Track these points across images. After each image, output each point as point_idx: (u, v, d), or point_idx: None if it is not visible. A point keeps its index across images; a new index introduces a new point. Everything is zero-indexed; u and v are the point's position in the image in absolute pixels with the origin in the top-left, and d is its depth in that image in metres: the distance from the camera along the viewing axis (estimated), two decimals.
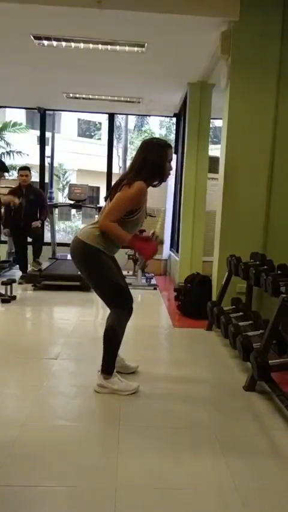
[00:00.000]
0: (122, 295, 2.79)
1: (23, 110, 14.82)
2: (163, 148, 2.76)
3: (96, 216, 7.08)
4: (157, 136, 18.55)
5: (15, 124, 14.89)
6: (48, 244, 7.34)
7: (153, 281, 6.58)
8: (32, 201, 6.36)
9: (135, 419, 2.47)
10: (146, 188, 2.68)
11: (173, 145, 7.54)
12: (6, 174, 5.75)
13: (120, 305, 2.78)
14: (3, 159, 12.85)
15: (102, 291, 2.78)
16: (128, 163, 18.66)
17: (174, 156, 6.77)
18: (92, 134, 22.16)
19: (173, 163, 7.12)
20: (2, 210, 6.40)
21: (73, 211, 8.29)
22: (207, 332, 4.22)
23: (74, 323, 4.37)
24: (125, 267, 5.78)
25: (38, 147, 8.47)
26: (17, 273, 6.55)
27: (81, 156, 19.40)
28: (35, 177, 7.28)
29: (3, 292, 5.09)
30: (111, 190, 2.78)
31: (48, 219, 7.20)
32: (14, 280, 5.35)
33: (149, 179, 2.70)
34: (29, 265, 6.44)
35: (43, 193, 7.03)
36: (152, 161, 2.68)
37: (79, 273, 2.91)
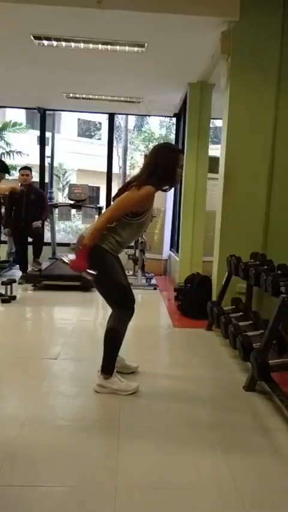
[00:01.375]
0: (124, 296, 2.80)
1: (23, 110, 14.78)
2: (175, 153, 2.78)
3: (96, 216, 7.11)
4: (157, 136, 18.57)
5: (15, 124, 14.88)
6: (48, 244, 7.34)
7: (153, 281, 6.58)
8: (33, 201, 6.35)
9: (135, 419, 2.47)
10: (154, 193, 2.69)
11: None
12: (6, 175, 5.74)
13: (122, 305, 2.78)
14: (3, 159, 12.84)
15: (105, 290, 2.79)
16: (128, 163, 18.73)
17: None
18: (92, 134, 22.14)
19: None
20: (3, 210, 6.41)
21: (73, 211, 8.28)
22: (207, 332, 4.22)
23: (74, 323, 4.37)
24: (125, 266, 5.77)
25: (38, 147, 8.47)
26: (17, 273, 6.54)
27: (81, 156, 19.38)
28: (35, 177, 7.28)
29: (3, 292, 5.09)
30: (118, 191, 2.80)
31: (48, 219, 7.20)
32: (14, 280, 5.35)
33: (159, 184, 2.71)
34: (29, 265, 6.44)
35: (44, 194, 7.02)
36: (163, 166, 2.69)
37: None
